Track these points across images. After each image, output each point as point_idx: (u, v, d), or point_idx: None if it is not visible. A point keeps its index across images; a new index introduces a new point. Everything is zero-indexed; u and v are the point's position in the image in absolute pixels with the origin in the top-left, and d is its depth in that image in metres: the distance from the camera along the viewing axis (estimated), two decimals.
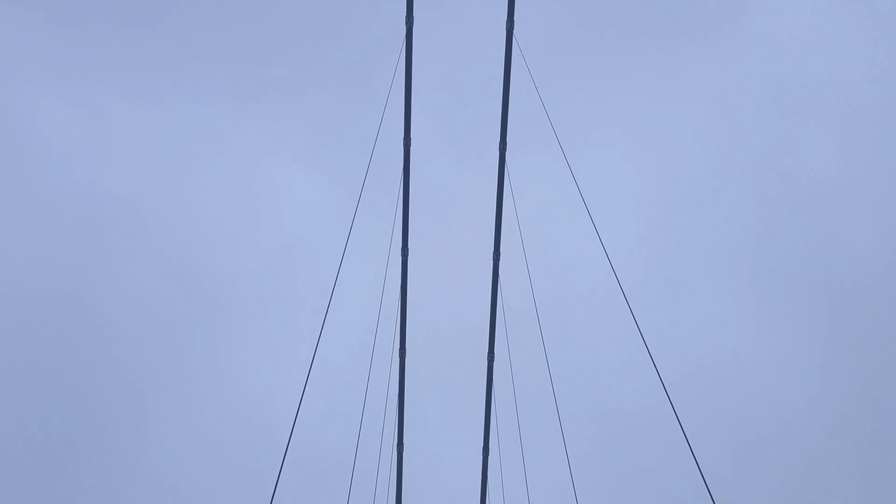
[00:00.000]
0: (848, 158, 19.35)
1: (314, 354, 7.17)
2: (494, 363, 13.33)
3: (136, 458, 18.87)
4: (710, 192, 20.43)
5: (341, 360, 17.83)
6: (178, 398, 19.61)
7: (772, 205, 19.71)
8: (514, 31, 9.83)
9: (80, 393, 18.50)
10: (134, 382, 19.10)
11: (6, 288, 18.02)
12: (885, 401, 17.49)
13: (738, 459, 17.90)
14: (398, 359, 13.42)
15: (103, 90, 19.29)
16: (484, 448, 14.37)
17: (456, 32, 19.72)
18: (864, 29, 19.49)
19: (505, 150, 10.80)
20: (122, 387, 18.95)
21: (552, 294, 16.87)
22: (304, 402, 7.66)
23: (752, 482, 17.39)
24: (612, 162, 20.18)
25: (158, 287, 19.55)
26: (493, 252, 12.09)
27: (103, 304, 19.00)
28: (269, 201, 20.53)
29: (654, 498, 19.19)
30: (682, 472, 15.68)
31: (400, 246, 12.22)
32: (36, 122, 18.98)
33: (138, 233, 19.42)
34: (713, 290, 19.69)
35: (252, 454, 19.17)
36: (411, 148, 10.93)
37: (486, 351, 13.14)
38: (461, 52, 19.93)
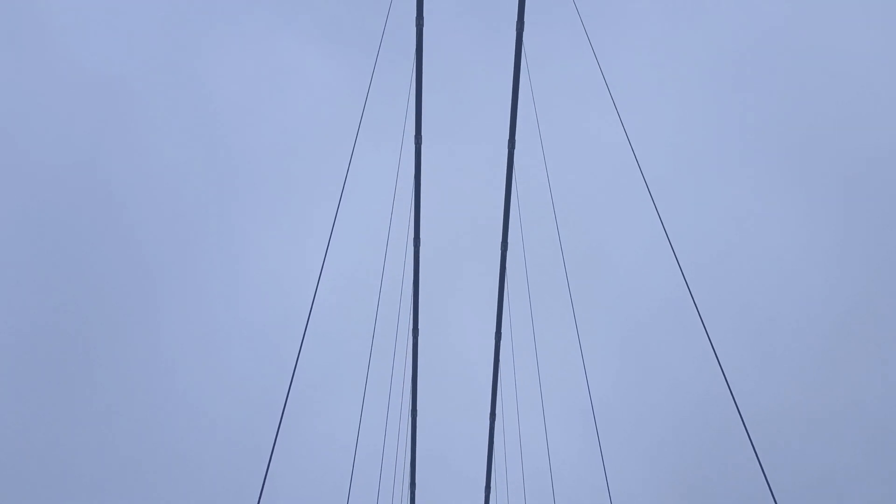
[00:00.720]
0: (874, 34, 18.55)
1: (329, 238, 7.12)
2: (508, 252, 13.34)
3: (148, 340, 19.31)
4: (732, 76, 19.78)
5: (357, 249, 17.92)
6: (192, 280, 19.88)
7: (795, 89, 19.09)
8: None
9: (93, 270, 18.71)
10: (148, 261, 19.28)
11: (22, 162, 17.90)
12: None
13: (754, 345, 18.06)
14: (413, 248, 13.44)
15: None
16: (496, 334, 14.59)
17: None
18: None
19: (522, 29, 10.32)
20: (136, 266, 19.12)
21: (569, 182, 16.65)
22: (321, 291, 7.69)
23: (766, 367, 17.63)
24: (639, 44, 19.45)
25: (172, 167, 19.44)
26: (509, 140, 11.82)
27: (117, 179, 18.93)
28: (281, 81, 20.10)
29: (667, 381, 19.63)
30: (696, 357, 15.95)
31: (413, 133, 11.96)
32: None
33: (152, 109, 19.14)
34: (733, 177, 19.39)
35: (268, 340, 19.62)
36: (424, 28, 10.48)
37: (500, 240, 13.11)
38: None
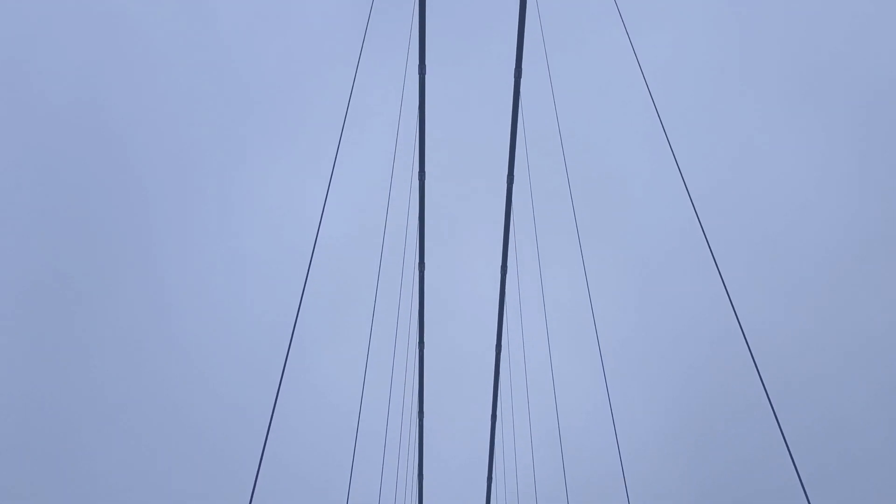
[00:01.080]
0: None
1: (332, 170, 6.97)
2: (515, 186, 13.16)
3: (148, 275, 19.30)
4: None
5: (362, 182, 17.74)
6: (194, 213, 19.77)
7: (810, 10, 18.44)
8: None
9: (92, 205, 18.58)
10: (149, 194, 19.12)
11: (22, 94, 17.59)
12: None
13: (767, 278, 17.87)
14: (418, 181, 13.28)
15: None
16: (502, 268, 14.55)
17: None
18: None
19: None
20: (137, 198, 18.96)
21: (577, 111, 16.30)
22: (327, 226, 7.57)
23: (779, 300, 17.52)
24: None
25: (173, 96, 19.08)
26: (515, 69, 11.50)
27: (117, 112, 18.62)
28: (285, 9, 19.57)
29: (678, 318, 19.62)
30: (707, 291, 15.88)
31: (417, 63, 11.65)
32: None
33: (154, 38, 18.67)
34: (747, 104, 18.93)
35: (272, 275, 19.62)
36: None
37: (506, 173, 12.92)
38: None
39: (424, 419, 18.18)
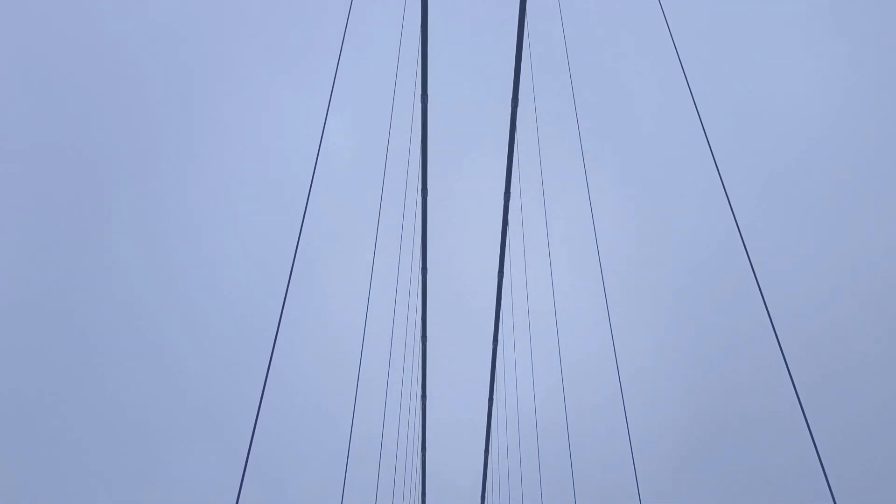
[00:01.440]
0: None
1: (333, 86, 6.81)
2: (520, 109, 12.92)
3: (157, 195, 19.22)
4: None
5: (364, 103, 17.44)
6: (201, 133, 19.56)
7: None
8: None
9: (101, 124, 18.36)
10: (156, 114, 18.86)
11: (20, 13, 17.16)
12: None
13: (772, 197, 17.54)
14: (420, 104, 13.04)
15: None
16: (505, 194, 14.44)
17: None
18: None
19: None
20: (144, 118, 18.73)
21: (585, 29, 15.80)
22: (329, 146, 7.45)
23: (783, 220, 17.29)
24: None
25: (176, 15, 18.60)
26: None
27: (120, 31, 18.18)
28: None
29: (681, 235, 19.51)
30: (711, 210, 15.76)
31: None
32: None
33: None
34: (763, 24, 18.32)
35: (278, 194, 19.49)
36: None
37: (511, 96, 12.65)
38: None
39: (427, 343, 18.42)
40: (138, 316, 18.88)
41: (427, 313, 17.47)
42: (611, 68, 19.19)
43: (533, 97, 12.57)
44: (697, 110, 6.58)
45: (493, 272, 16.14)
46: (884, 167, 16.67)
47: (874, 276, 16.32)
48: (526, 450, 16.38)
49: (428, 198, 14.65)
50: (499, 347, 18.22)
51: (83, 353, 18.39)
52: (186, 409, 19.75)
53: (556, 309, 12.98)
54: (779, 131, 17.69)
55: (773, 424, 16.20)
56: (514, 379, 17.06)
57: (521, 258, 15.00)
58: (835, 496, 4.61)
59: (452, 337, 21.75)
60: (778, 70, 18.26)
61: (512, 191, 14.34)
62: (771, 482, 17.36)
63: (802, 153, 17.51)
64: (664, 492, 17.80)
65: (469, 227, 21.83)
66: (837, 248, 16.98)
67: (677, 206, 19.38)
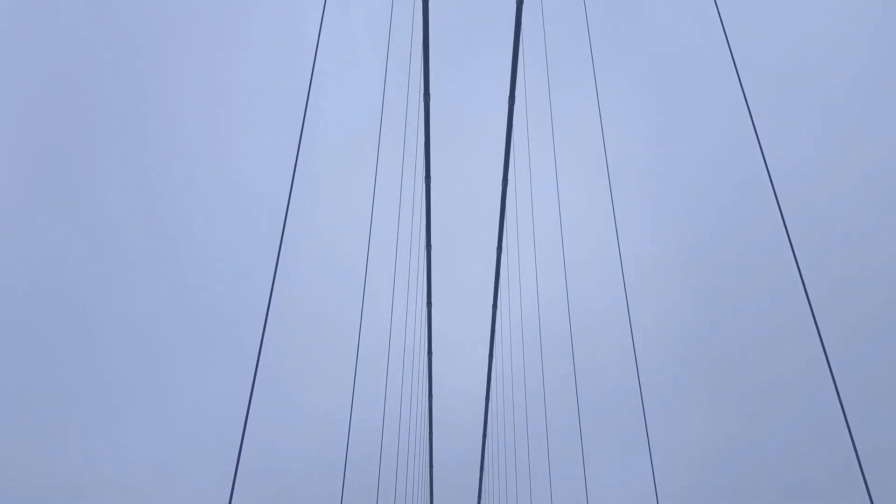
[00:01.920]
0: None
1: None
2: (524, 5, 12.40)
3: (159, 104, 18.91)
4: None
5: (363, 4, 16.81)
6: (202, 40, 19.04)
7: None
8: None
9: (102, 33, 17.91)
10: (156, 23, 18.35)
11: None
12: None
13: (787, 97, 16.89)
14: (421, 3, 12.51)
15: None
16: (510, 98, 14.05)
17: None
18: None
19: None
20: (144, 26, 18.22)
21: None
22: (326, 49, 7.15)
23: (797, 119, 16.74)
24: None
25: None
26: None
27: None
28: None
29: (692, 136, 19.06)
30: (724, 107, 15.31)
31: None
32: None
33: None
34: None
35: (280, 99, 19.10)
36: None
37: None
38: None
39: (432, 251, 18.43)
40: (149, 223, 18.92)
41: (431, 221, 17.37)
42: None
43: None
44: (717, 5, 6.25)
45: (497, 176, 15.93)
46: None
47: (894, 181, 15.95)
48: (529, 355, 16.62)
49: (430, 103, 14.28)
50: (503, 254, 18.22)
51: (94, 264, 18.53)
52: (196, 317, 20.02)
53: (561, 212, 12.85)
54: (800, 29, 16.97)
55: (781, 328, 16.29)
56: (517, 283, 17.13)
57: (526, 161, 14.77)
58: (843, 403, 4.60)
59: (456, 245, 21.76)
60: None
61: (517, 92, 13.95)
62: (776, 384, 17.62)
63: (824, 51, 16.84)
64: (666, 396, 18.12)
65: (473, 132, 21.46)
66: (856, 151, 16.57)
67: (690, 104, 18.84)
